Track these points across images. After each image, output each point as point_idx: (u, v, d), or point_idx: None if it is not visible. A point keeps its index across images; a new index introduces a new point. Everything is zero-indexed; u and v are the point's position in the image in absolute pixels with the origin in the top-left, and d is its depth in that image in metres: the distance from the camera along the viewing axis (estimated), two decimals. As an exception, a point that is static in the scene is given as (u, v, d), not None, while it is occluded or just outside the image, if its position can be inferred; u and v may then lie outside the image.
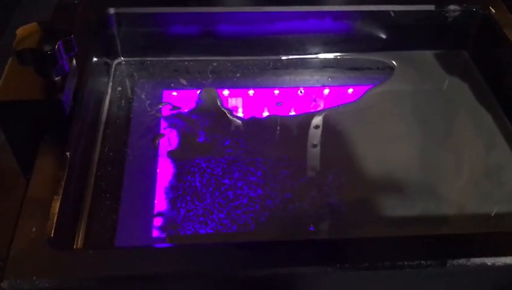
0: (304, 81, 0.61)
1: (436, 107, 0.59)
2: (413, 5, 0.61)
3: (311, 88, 0.61)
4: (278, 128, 0.55)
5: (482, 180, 0.52)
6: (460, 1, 0.61)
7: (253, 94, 0.59)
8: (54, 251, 0.35)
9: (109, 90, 0.56)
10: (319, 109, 0.58)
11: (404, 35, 0.62)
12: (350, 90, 0.61)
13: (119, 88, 0.58)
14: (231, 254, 0.36)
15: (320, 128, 0.55)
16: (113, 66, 0.60)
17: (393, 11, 0.60)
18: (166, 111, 0.56)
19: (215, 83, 0.59)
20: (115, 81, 0.58)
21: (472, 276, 0.37)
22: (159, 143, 0.52)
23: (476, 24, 0.61)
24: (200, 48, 0.61)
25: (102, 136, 0.51)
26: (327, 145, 0.54)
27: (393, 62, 0.63)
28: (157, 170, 0.50)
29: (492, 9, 0.60)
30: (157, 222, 0.45)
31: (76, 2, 0.57)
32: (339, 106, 0.58)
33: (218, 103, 0.57)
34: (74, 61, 0.45)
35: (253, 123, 0.55)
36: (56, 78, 0.41)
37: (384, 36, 0.62)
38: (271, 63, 0.62)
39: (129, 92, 0.58)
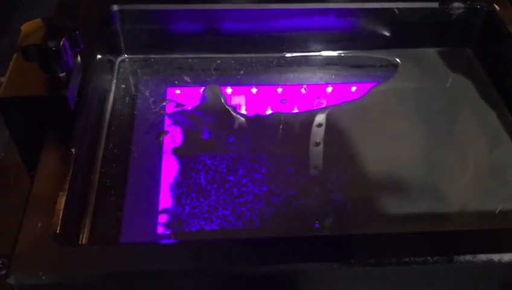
0: (308, 79, 0.61)
1: (440, 104, 0.59)
2: (417, 2, 0.60)
3: (314, 85, 0.60)
4: (282, 125, 0.55)
5: (486, 178, 0.52)
6: (464, -2, 0.61)
7: (257, 91, 0.59)
8: (60, 247, 0.35)
9: (113, 88, 0.56)
10: (323, 106, 0.58)
11: (407, 32, 0.62)
12: (353, 88, 0.61)
13: (123, 85, 0.58)
14: (236, 250, 0.36)
15: (324, 126, 0.55)
16: (117, 63, 0.60)
17: (397, 9, 0.60)
18: (170, 108, 0.56)
19: (219, 80, 0.59)
20: (119, 78, 0.58)
21: (478, 272, 0.37)
22: (163, 140, 0.52)
23: (480, 21, 0.61)
24: (204, 45, 0.61)
25: (106, 133, 0.52)
26: (331, 142, 0.54)
27: (397, 60, 0.62)
28: (162, 167, 0.50)
29: (497, 7, 0.60)
30: (162, 218, 0.45)
31: (79, -2, 0.57)
32: (342, 103, 0.58)
33: (222, 100, 0.57)
34: (79, 58, 0.45)
35: (257, 120, 0.55)
36: (61, 75, 0.41)
37: (387, 34, 0.62)
38: (275, 61, 0.62)
39: (133, 89, 0.58)
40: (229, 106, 0.57)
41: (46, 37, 0.39)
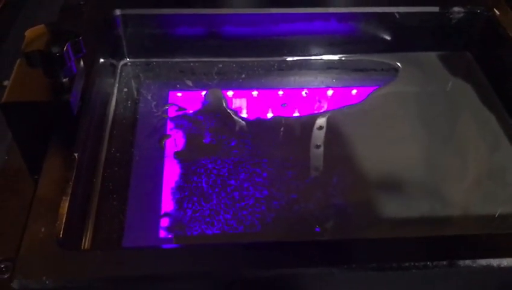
0: (309, 83, 0.62)
1: (441, 108, 0.59)
2: (417, 6, 0.61)
3: (315, 89, 0.61)
4: (283, 129, 0.56)
5: (486, 181, 0.52)
6: (464, 3, 0.61)
7: (258, 95, 0.60)
8: (63, 251, 0.35)
9: (115, 91, 0.57)
10: (324, 110, 0.58)
11: (408, 36, 0.62)
12: (354, 92, 0.61)
13: (125, 89, 0.58)
14: (238, 254, 0.37)
15: (325, 130, 0.56)
16: (119, 67, 0.60)
17: (398, 13, 0.60)
18: (172, 112, 0.56)
19: (221, 84, 0.60)
20: (121, 82, 0.59)
21: (478, 277, 0.37)
22: (165, 144, 0.53)
23: (480, 25, 0.62)
24: (206, 49, 0.61)
25: (108, 137, 0.52)
26: (332, 146, 0.54)
27: (398, 63, 0.63)
28: (164, 171, 0.50)
29: (496, 11, 0.60)
30: (164, 222, 0.46)
31: (82, 3, 0.57)
32: (343, 107, 0.58)
33: (224, 104, 0.57)
34: (82, 63, 0.45)
35: (258, 124, 0.56)
36: (64, 80, 0.42)
37: (388, 38, 0.62)
38: (276, 64, 0.63)
39: (135, 93, 0.58)
40: (231, 109, 0.57)
41: (49, 43, 0.39)
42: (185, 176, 0.49)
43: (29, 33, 0.41)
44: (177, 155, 0.52)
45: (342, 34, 0.62)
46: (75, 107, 0.43)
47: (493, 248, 0.37)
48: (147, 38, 0.60)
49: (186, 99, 0.58)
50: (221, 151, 0.52)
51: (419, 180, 0.51)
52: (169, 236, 0.45)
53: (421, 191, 0.50)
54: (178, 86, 0.59)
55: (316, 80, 0.62)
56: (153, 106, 0.57)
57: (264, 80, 0.61)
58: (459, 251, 0.36)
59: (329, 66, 0.63)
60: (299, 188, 0.49)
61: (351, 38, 0.62)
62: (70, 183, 0.39)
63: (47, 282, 0.34)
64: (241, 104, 0.59)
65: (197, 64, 0.61)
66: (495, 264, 0.36)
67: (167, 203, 0.47)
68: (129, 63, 0.61)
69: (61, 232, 0.36)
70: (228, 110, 0.57)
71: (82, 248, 0.42)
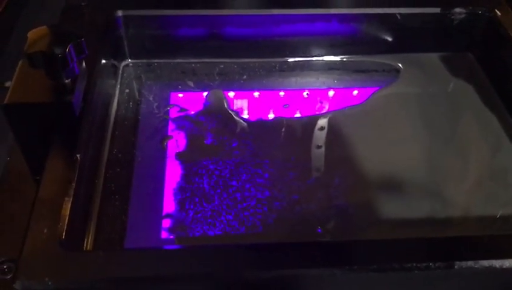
0: (310, 83, 0.62)
1: (442, 109, 0.59)
2: (419, 7, 0.61)
3: (317, 90, 0.61)
4: (284, 130, 0.56)
5: (487, 182, 0.52)
6: (466, 4, 0.61)
7: (260, 96, 0.60)
8: (66, 252, 0.35)
9: (117, 92, 0.57)
10: (325, 111, 0.58)
11: (410, 37, 0.62)
12: (356, 93, 0.61)
13: (127, 90, 0.58)
14: (239, 255, 0.37)
15: (327, 131, 0.56)
16: (121, 68, 0.60)
17: (400, 14, 0.60)
18: (174, 113, 0.56)
19: (222, 85, 0.60)
20: (123, 83, 0.59)
21: (480, 278, 0.37)
22: (167, 145, 0.53)
23: (482, 26, 0.62)
24: (207, 50, 0.61)
25: (110, 138, 0.52)
26: (333, 147, 0.54)
27: (399, 64, 0.63)
28: (166, 172, 0.50)
29: (498, 12, 0.60)
30: (166, 223, 0.46)
31: (83, 4, 0.57)
32: (345, 108, 0.58)
33: (225, 105, 0.57)
34: (84, 64, 0.45)
35: (260, 125, 0.56)
36: (66, 81, 0.42)
37: (390, 38, 0.62)
38: (277, 65, 0.63)
39: (137, 94, 0.58)
40: (232, 110, 0.57)
41: (52, 44, 0.39)
42: (186, 177, 0.50)
43: (31, 34, 0.41)
44: (179, 156, 0.52)
45: (343, 35, 0.62)
46: (77, 108, 0.43)
47: (495, 249, 0.37)
48: (149, 39, 0.60)
49: (188, 100, 0.58)
50: (222, 152, 0.52)
51: (421, 181, 0.51)
52: (171, 237, 0.45)
53: (423, 191, 0.50)
54: (179, 87, 0.60)
55: (317, 81, 0.62)
56: (154, 106, 0.57)
57: (265, 80, 0.61)
58: (461, 252, 0.36)
59: (330, 67, 0.63)
60: (301, 189, 0.49)
61: (352, 39, 0.62)
62: (73, 184, 0.39)
63: (49, 283, 0.34)
64: (242, 105, 0.59)
65: (198, 65, 0.61)
66: (497, 266, 0.36)
67: (169, 204, 0.47)
68: (131, 64, 0.61)
69: (64, 233, 0.36)
70: (230, 111, 0.57)
71: (84, 248, 0.42)
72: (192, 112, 0.57)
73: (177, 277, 0.36)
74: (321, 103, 0.60)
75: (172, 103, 0.58)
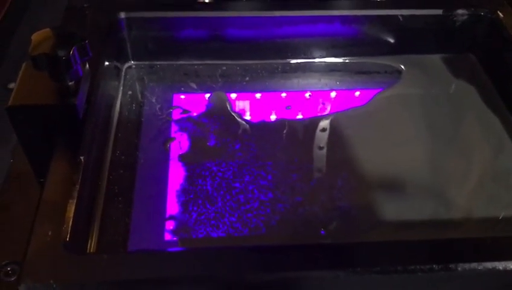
0: (312, 85, 0.62)
1: (444, 110, 0.59)
2: (421, 9, 0.61)
3: (319, 92, 0.61)
4: (287, 131, 0.56)
5: (490, 184, 0.52)
6: (468, 5, 0.61)
7: (262, 98, 0.60)
8: (70, 255, 0.35)
9: (120, 94, 0.57)
10: (328, 112, 0.58)
11: (412, 39, 0.62)
12: (358, 94, 0.61)
13: (130, 92, 0.58)
14: (243, 257, 0.37)
15: (329, 132, 0.56)
16: (124, 70, 0.60)
17: (402, 15, 0.60)
18: (176, 115, 0.56)
19: (225, 86, 0.60)
20: (126, 85, 0.59)
21: (483, 280, 0.37)
22: (170, 147, 0.53)
23: (484, 28, 0.62)
24: (210, 52, 0.61)
25: (113, 140, 0.52)
26: (336, 149, 0.54)
27: (401, 66, 0.63)
28: (169, 174, 0.50)
29: (500, 13, 0.60)
30: (169, 225, 0.46)
31: (85, 5, 0.57)
32: (347, 109, 0.58)
33: (228, 107, 0.58)
34: (87, 66, 0.45)
35: (262, 127, 0.56)
36: (70, 83, 0.42)
37: (392, 40, 0.62)
38: (279, 67, 0.63)
39: (139, 95, 0.58)
40: (235, 112, 0.57)
41: (56, 47, 0.39)
42: (189, 179, 0.50)
43: (35, 36, 0.41)
44: (182, 158, 0.52)
45: (345, 36, 0.62)
46: (80, 111, 0.43)
47: (499, 251, 0.37)
48: (151, 41, 0.60)
49: (191, 102, 0.58)
50: (225, 153, 0.52)
51: (424, 182, 0.51)
52: (175, 239, 0.45)
53: (425, 193, 0.50)
54: (182, 88, 0.60)
55: (319, 83, 0.62)
56: (157, 108, 0.57)
57: (267, 82, 0.61)
58: (464, 254, 0.37)
59: (332, 68, 0.63)
60: (304, 190, 0.49)
61: (354, 41, 0.62)
62: (77, 186, 0.39)
63: (54, 286, 0.34)
64: (244, 107, 0.59)
65: (201, 67, 0.61)
66: (500, 267, 0.36)
67: (172, 206, 0.47)
68: (133, 66, 0.61)
69: (68, 235, 0.36)
70: (232, 113, 0.57)
71: (88, 251, 0.42)
72: (195, 114, 0.57)
73: (181, 279, 0.36)
74: (323, 104, 0.60)
75: (175, 105, 0.58)
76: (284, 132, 0.56)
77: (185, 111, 0.57)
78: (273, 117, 0.58)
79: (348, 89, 0.62)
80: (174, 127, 0.55)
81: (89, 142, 0.44)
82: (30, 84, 0.42)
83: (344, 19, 0.61)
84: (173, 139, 0.54)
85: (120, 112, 0.55)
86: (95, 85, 0.48)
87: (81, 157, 0.41)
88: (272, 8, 0.60)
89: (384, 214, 0.48)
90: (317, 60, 0.63)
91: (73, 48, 0.40)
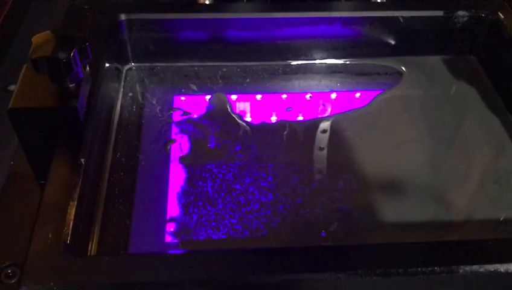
0: (313, 87, 0.62)
1: (445, 112, 0.59)
2: (421, 10, 0.61)
3: (320, 93, 0.61)
4: (288, 133, 0.56)
5: (491, 185, 0.52)
6: (469, 7, 0.61)
7: (263, 99, 0.60)
8: (71, 257, 0.35)
9: (120, 96, 0.57)
10: (328, 114, 0.58)
11: (412, 40, 0.62)
12: (358, 95, 0.61)
13: (130, 94, 0.58)
14: (244, 260, 0.37)
15: (330, 134, 0.56)
16: (124, 72, 0.60)
17: (402, 17, 0.60)
18: (177, 116, 0.56)
19: (225, 88, 0.60)
20: (126, 87, 0.59)
21: (485, 282, 0.37)
22: (170, 148, 0.53)
23: (485, 29, 0.62)
24: (210, 54, 0.61)
25: (114, 142, 0.52)
26: (337, 150, 0.54)
27: (402, 67, 0.63)
28: (169, 176, 0.50)
29: (501, 15, 0.60)
30: (170, 227, 0.46)
31: (86, 8, 0.57)
32: (348, 111, 0.58)
33: (228, 108, 0.57)
34: (88, 68, 0.45)
35: (263, 128, 0.56)
36: (70, 85, 0.42)
37: (393, 42, 0.62)
38: (280, 69, 0.63)
39: (140, 97, 0.58)
40: (235, 113, 0.57)
41: (56, 49, 0.39)
42: (190, 181, 0.50)
43: (36, 39, 0.41)
44: (183, 160, 0.52)
45: (346, 38, 0.62)
46: (81, 113, 0.43)
47: (501, 253, 0.37)
48: (152, 43, 0.60)
49: (191, 104, 0.58)
50: (226, 155, 0.52)
51: (425, 184, 0.51)
52: (175, 241, 0.45)
53: (427, 194, 0.50)
54: (183, 90, 0.60)
55: (320, 84, 0.62)
56: (157, 110, 0.57)
57: (268, 84, 0.61)
58: (466, 256, 0.36)
59: (333, 70, 0.63)
60: (305, 192, 0.49)
61: (355, 42, 0.62)
62: (77, 188, 0.39)
63: (55, 288, 0.34)
64: (245, 109, 0.59)
65: (201, 68, 0.61)
66: (502, 270, 0.36)
67: (173, 208, 0.47)
68: (134, 68, 0.61)
69: (69, 238, 0.36)
70: (233, 115, 0.57)
71: (88, 253, 0.42)
72: (196, 116, 0.57)
73: (182, 281, 0.35)
74: (324, 105, 0.60)
75: (175, 107, 0.58)
76: (285, 133, 0.55)
77: (185, 113, 0.57)
78: (273, 119, 0.58)
79: (348, 90, 0.62)
80: (174, 129, 0.55)
81: (90, 144, 0.44)
82: (31, 87, 0.42)
83: (345, 21, 0.61)
84: (174, 141, 0.54)
85: (120, 114, 0.55)
86: (95, 87, 0.48)
87: (82, 160, 0.41)
88: (272, 9, 0.60)
89: (385, 215, 0.48)
90: (318, 61, 0.63)
91: (74, 50, 0.40)
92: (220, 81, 0.61)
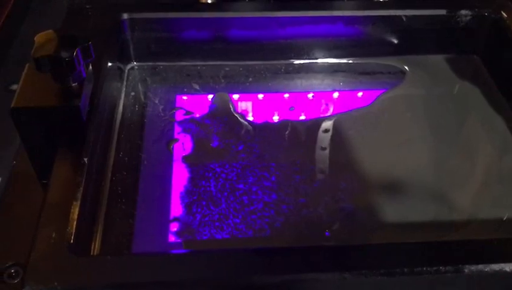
0: (316, 86, 0.62)
1: (448, 111, 0.59)
2: (424, 9, 0.61)
3: (322, 92, 0.61)
4: (291, 132, 0.55)
5: (494, 185, 0.52)
6: (472, 6, 0.61)
7: (265, 98, 0.60)
8: (74, 257, 0.35)
9: (122, 96, 0.57)
10: (331, 113, 0.58)
11: (415, 39, 0.62)
12: (361, 95, 0.61)
13: (133, 93, 0.58)
14: (248, 260, 0.37)
15: (333, 133, 0.56)
16: (126, 71, 0.60)
17: (405, 16, 0.60)
18: (179, 116, 0.56)
19: (228, 87, 0.60)
20: (128, 86, 0.59)
21: (490, 282, 0.37)
22: (173, 148, 0.53)
23: (487, 28, 0.61)
24: (212, 53, 0.61)
25: (116, 141, 0.52)
26: (339, 149, 0.54)
27: (405, 67, 0.63)
28: (172, 175, 0.50)
29: (504, 14, 0.60)
30: (173, 227, 0.46)
31: (87, 7, 0.57)
32: (351, 110, 0.58)
33: (231, 108, 0.57)
34: (90, 67, 0.45)
35: (265, 128, 0.56)
36: (73, 85, 0.42)
37: (395, 41, 0.62)
38: (283, 68, 0.62)
39: (142, 97, 0.58)
40: (238, 113, 0.57)
41: (59, 48, 0.39)
42: (193, 180, 0.49)
43: (38, 38, 0.41)
44: (186, 159, 0.52)
45: (348, 37, 0.62)
46: (84, 112, 0.42)
47: (506, 253, 0.36)
48: (154, 42, 0.60)
49: (193, 103, 0.58)
50: (229, 155, 0.52)
51: (427, 183, 0.51)
52: (179, 241, 0.45)
53: (429, 194, 0.50)
54: (185, 89, 0.59)
55: (322, 83, 0.62)
56: (160, 109, 0.57)
57: (270, 83, 0.61)
58: (470, 256, 0.36)
59: (336, 69, 0.63)
60: (307, 191, 0.49)
61: (357, 42, 0.62)
62: (80, 188, 0.39)
63: (58, 288, 0.34)
64: (247, 108, 0.59)
65: (203, 68, 0.61)
66: (507, 269, 0.36)
67: (176, 208, 0.47)
68: (136, 67, 0.61)
69: (72, 237, 0.36)
70: (235, 114, 0.57)
71: (92, 253, 0.42)
72: (198, 115, 0.56)
73: (186, 281, 0.35)
74: (326, 105, 0.59)
75: (178, 106, 0.57)
76: (287, 132, 0.55)
77: (187, 112, 0.57)
78: (276, 118, 0.58)
79: (351, 89, 0.61)
80: (177, 129, 0.55)
81: (92, 143, 0.44)
82: (33, 86, 0.42)
83: (347, 20, 0.61)
84: (176, 140, 0.53)
85: (123, 114, 0.55)
86: (98, 86, 0.47)
87: (85, 159, 0.41)
88: (274, 8, 0.60)
89: (388, 215, 0.48)
90: (320, 60, 0.63)
91: (77, 49, 0.40)
92: (223, 80, 0.61)
